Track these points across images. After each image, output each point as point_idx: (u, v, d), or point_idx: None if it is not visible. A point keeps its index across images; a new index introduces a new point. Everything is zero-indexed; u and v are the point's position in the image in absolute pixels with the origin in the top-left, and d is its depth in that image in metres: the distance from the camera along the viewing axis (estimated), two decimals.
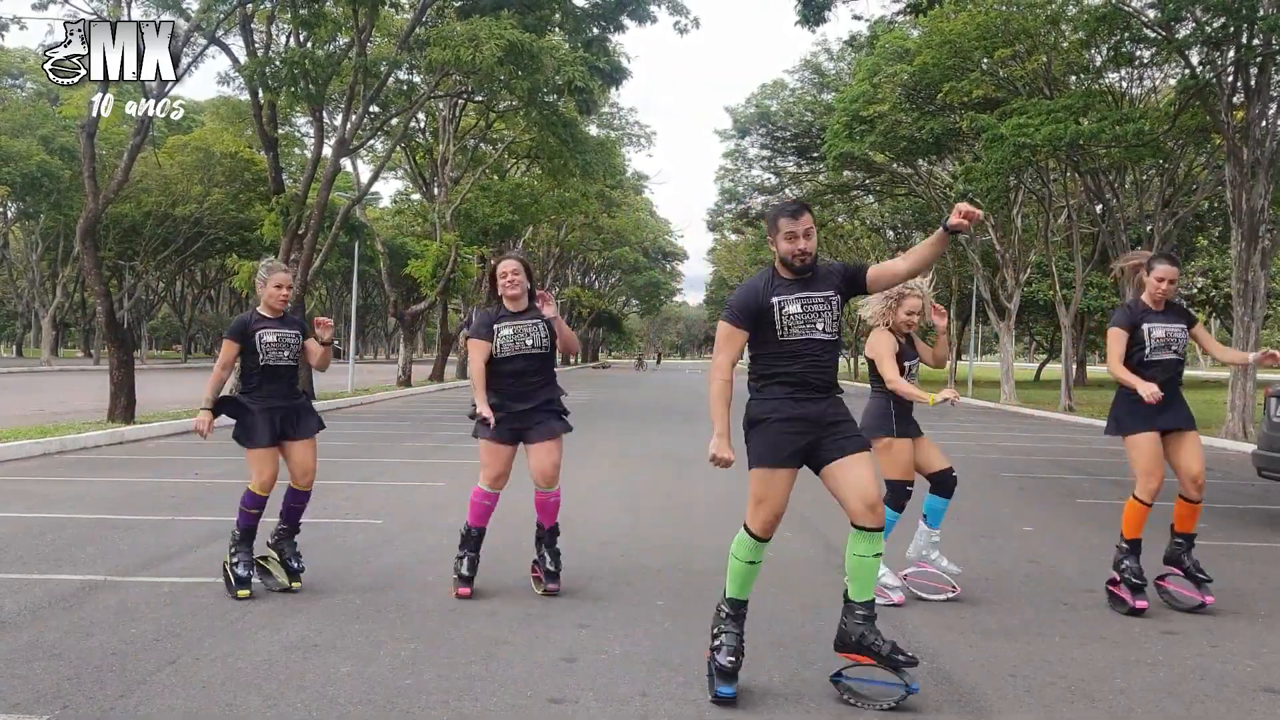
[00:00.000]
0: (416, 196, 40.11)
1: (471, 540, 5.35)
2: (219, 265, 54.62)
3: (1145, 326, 5.25)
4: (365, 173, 33.13)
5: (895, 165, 31.45)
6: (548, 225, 46.62)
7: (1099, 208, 24.64)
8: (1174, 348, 5.25)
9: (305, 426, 5.41)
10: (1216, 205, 29.53)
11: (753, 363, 4.03)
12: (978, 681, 4.12)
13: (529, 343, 5.26)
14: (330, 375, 32.41)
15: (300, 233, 19.51)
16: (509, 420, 5.21)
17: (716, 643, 3.91)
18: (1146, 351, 5.23)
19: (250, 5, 18.77)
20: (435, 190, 32.91)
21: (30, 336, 65.11)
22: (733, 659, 3.83)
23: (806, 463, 3.93)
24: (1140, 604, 5.11)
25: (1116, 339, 5.30)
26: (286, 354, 5.37)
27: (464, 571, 5.29)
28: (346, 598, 5.20)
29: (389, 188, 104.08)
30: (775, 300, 3.95)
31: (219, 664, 4.10)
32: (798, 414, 3.88)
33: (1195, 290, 50.60)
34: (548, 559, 5.37)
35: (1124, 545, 5.23)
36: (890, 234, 44.03)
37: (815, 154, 36.79)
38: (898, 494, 5.31)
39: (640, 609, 5.09)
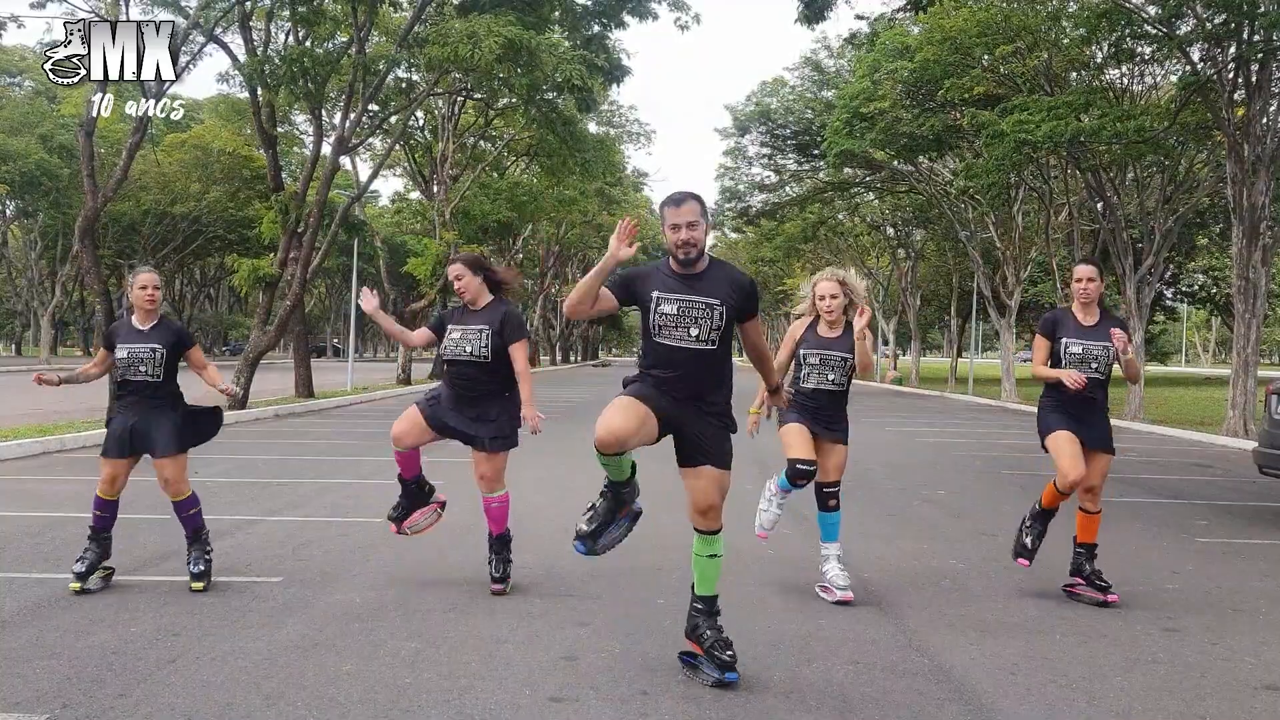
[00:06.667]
0: (415, 195, 40.09)
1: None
2: (218, 263, 54.65)
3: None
4: (364, 171, 33.11)
5: (896, 162, 31.41)
6: (547, 223, 46.60)
7: (1100, 205, 24.60)
8: None
9: (152, 443, 5.25)
10: (1217, 202, 29.53)
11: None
12: (979, 679, 4.12)
13: (468, 349, 5.21)
14: (330, 374, 32.45)
15: (299, 230, 19.49)
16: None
17: None
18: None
19: (249, 3, 18.76)
20: (434, 188, 32.89)
21: (29, 335, 65.09)
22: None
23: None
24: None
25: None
26: (144, 369, 5.23)
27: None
28: (346, 597, 5.19)
29: (388, 187, 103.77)
30: (655, 295, 3.84)
31: (219, 663, 4.09)
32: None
33: (1196, 288, 50.60)
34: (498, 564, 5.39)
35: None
36: (890, 231, 44.01)
37: (815, 151, 36.76)
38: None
39: (640, 608, 5.08)
